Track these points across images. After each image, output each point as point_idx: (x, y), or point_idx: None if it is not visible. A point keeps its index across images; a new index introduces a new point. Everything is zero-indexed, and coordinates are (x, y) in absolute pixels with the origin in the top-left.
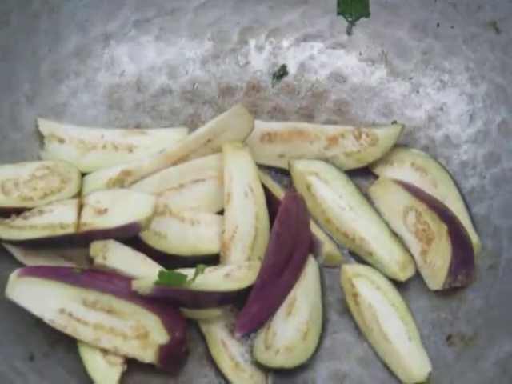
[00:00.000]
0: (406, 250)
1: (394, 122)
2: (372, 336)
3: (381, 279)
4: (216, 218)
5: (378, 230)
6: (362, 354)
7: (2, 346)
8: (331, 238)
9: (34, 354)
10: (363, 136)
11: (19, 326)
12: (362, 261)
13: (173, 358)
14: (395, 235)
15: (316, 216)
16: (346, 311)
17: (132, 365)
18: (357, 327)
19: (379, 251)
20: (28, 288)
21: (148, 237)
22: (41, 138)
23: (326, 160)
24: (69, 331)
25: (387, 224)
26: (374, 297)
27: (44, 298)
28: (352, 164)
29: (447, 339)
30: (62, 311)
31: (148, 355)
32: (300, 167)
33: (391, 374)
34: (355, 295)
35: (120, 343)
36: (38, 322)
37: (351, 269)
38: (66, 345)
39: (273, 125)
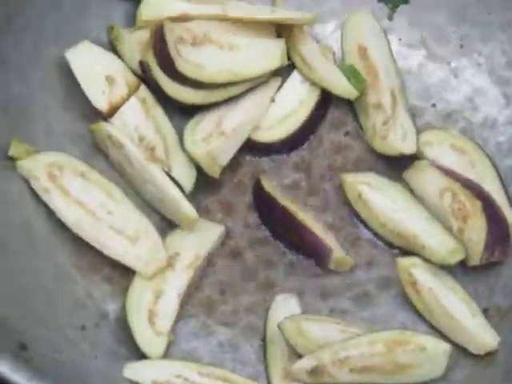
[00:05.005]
0: (456, 237)
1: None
2: (436, 318)
3: (434, 267)
4: (254, 42)
5: (429, 225)
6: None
7: (56, 316)
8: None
9: (85, 324)
10: None
11: (73, 296)
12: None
13: None
14: (445, 226)
15: (370, 222)
16: (385, 287)
17: (178, 335)
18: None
19: (431, 244)
20: None
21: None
22: None
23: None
24: None
25: (435, 217)
26: (433, 281)
27: None
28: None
29: (484, 312)
30: None
31: None
32: (350, 179)
33: None
34: (414, 283)
35: None
36: (90, 294)
37: (407, 260)
38: (115, 316)
39: None
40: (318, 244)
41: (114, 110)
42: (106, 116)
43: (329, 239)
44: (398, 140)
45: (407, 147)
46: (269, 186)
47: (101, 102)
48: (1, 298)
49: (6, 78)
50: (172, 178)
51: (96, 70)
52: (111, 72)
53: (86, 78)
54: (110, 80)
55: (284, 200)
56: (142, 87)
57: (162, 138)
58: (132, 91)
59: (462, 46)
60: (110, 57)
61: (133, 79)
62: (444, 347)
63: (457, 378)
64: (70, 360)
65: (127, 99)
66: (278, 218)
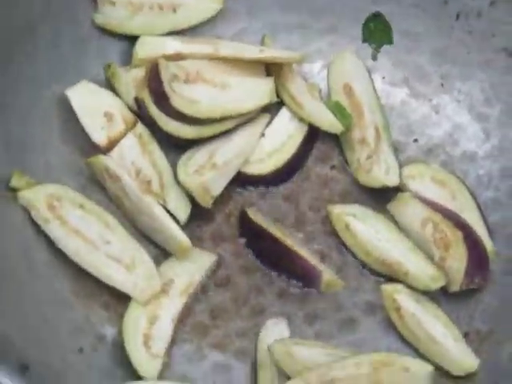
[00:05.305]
0: (437, 265)
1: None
2: (419, 342)
3: (417, 294)
4: (244, 80)
5: (412, 253)
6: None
7: (55, 339)
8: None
9: (83, 348)
10: None
11: (71, 322)
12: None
13: None
14: (427, 254)
15: (356, 251)
16: (370, 312)
17: (172, 358)
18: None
19: (414, 270)
20: None
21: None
22: (95, 2)
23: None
24: None
25: (418, 246)
26: (416, 307)
27: None
28: None
29: (464, 336)
30: None
31: None
32: (337, 210)
33: None
34: (398, 309)
35: None
36: (88, 320)
37: (391, 287)
38: (112, 339)
39: None
40: (309, 268)
41: (111, 144)
42: (104, 151)
43: (318, 263)
44: (382, 173)
45: (390, 180)
46: (255, 216)
47: (100, 137)
48: (2, 321)
49: (6, 115)
50: (167, 210)
51: (95, 107)
52: (109, 109)
53: (85, 114)
54: (108, 116)
55: (271, 228)
56: (139, 124)
57: (157, 172)
58: (129, 127)
59: (442, 85)
60: (108, 94)
61: (130, 116)
62: (427, 368)
63: None
64: (69, 381)
65: (125, 135)
66: (267, 246)
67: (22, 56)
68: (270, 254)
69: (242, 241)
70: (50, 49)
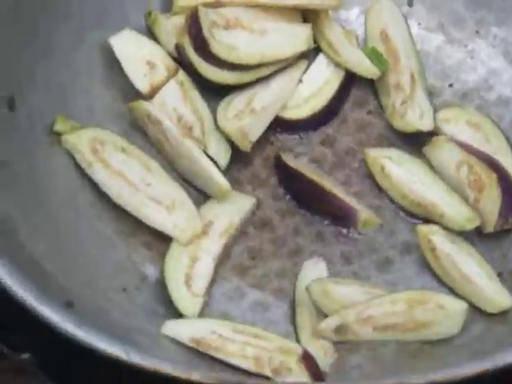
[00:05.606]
0: (472, 207)
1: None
2: (454, 281)
3: (452, 234)
4: (282, 27)
5: (447, 195)
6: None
7: (99, 279)
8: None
9: (126, 287)
10: None
11: (114, 261)
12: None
13: None
14: (461, 196)
15: (392, 193)
16: (406, 252)
17: (212, 297)
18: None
19: (449, 212)
20: None
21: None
22: None
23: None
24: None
25: (453, 188)
26: (451, 248)
27: None
28: None
29: (498, 275)
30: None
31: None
32: (373, 153)
33: None
34: (433, 250)
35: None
36: (130, 259)
37: (426, 228)
38: (155, 279)
39: None
40: (346, 207)
41: (154, 91)
42: (147, 97)
43: (354, 203)
44: (416, 118)
45: (424, 125)
46: (289, 160)
47: (142, 85)
48: (48, 261)
49: (50, 60)
50: (208, 156)
51: (138, 55)
52: (152, 57)
53: (128, 62)
54: (151, 65)
55: (306, 171)
56: (181, 71)
57: (198, 118)
58: (171, 75)
59: (478, 30)
60: (150, 43)
61: (172, 64)
62: (461, 306)
63: (472, 335)
64: (112, 318)
65: (167, 82)
66: (303, 188)
67: (65, 3)
68: (307, 196)
69: (280, 184)
70: None
